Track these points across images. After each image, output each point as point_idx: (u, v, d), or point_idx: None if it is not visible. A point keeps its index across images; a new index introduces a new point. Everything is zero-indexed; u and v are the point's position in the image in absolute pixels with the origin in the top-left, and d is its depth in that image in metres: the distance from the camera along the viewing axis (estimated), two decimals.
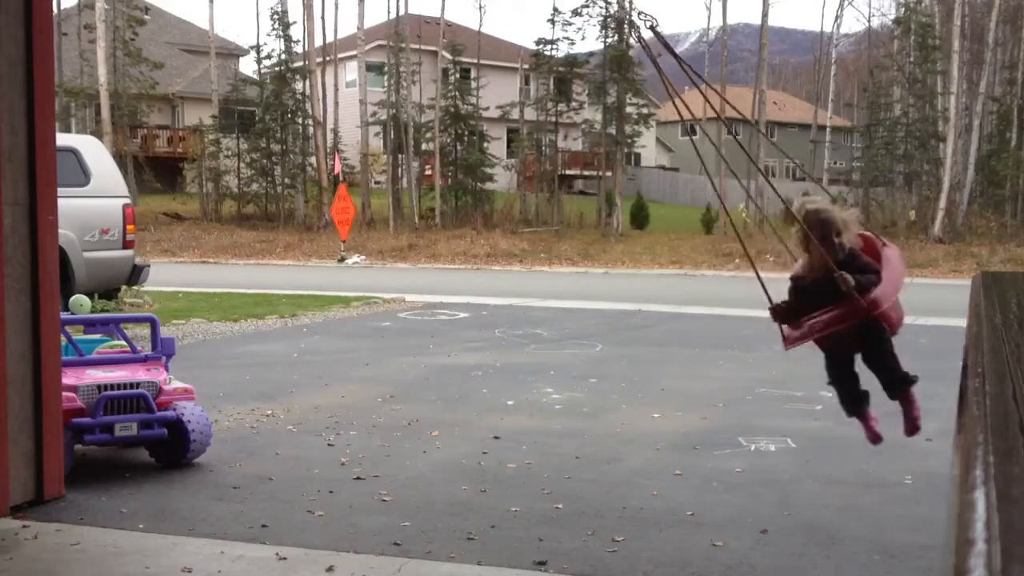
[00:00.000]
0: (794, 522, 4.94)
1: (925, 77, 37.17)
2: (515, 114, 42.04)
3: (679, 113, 4.52)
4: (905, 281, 4.28)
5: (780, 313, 4.19)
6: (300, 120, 38.14)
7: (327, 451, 6.32)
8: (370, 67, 40.55)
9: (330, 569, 4.18)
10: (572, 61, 40.08)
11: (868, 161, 38.52)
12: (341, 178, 29.92)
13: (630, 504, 5.18)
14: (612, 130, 37.92)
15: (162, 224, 34.40)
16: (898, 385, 4.33)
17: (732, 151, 41.00)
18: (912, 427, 4.43)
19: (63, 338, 5.61)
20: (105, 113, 34.30)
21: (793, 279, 4.25)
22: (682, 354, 10.82)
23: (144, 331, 6.92)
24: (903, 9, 38.95)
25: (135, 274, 11.98)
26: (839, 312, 4.02)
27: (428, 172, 40.52)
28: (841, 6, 75.21)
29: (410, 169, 38.26)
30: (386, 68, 39.87)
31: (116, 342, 6.25)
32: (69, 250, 10.79)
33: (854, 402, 4.36)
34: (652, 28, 4.41)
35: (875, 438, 4.46)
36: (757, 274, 4.41)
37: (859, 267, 4.05)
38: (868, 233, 4.34)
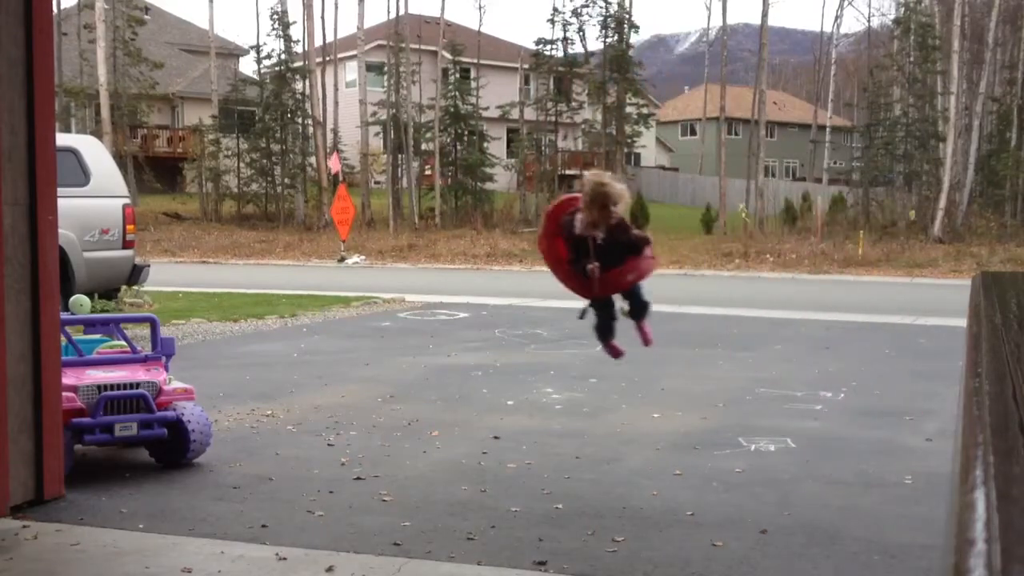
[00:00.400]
0: (794, 522, 4.94)
1: (925, 77, 37.18)
2: (515, 114, 42.06)
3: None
4: None
5: (594, 271, 5.24)
6: (300, 120, 38.15)
7: (327, 451, 6.32)
8: (370, 67, 40.57)
9: (330, 569, 4.18)
10: (572, 61, 40.11)
11: (868, 161, 38.53)
12: (341, 178, 29.93)
13: (630, 504, 5.18)
14: (612, 130, 37.94)
15: (162, 224, 34.41)
16: (644, 311, 5.69)
17: (732, 152, 41.13)
18: (646, 340, 5.86)
19: (63, 338, 5.61)
20: (105, 113, 34.30)
21: (582, 236, 5.23)
22: (682, 354, 10.82)
23: (144, 331, 6.93)
24: (903, 9, 38.97)
25: (135, 274, 11.98)
26: (643, 267, 5.36)
27: (428, 172, 40.54)
28: (841, 6, 75.27)
29: (410, 169, 38.28)
30: (386, 68, 39.90)
31: (116, 342, 6.25)
32: (69, 250, 10.79)
33: (609, 331, 5.73)
34: None
35: (617, 354, 5.91)
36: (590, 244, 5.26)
37: (626, 228, 5.28)
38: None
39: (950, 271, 24.51)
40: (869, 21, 71.28)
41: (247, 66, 51.73)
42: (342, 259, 26.70)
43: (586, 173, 5.38)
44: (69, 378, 5.51)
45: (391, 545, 4.51)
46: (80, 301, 6.51)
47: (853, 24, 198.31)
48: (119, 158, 29.81)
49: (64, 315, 5.91)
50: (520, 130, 42.43)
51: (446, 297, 16.64)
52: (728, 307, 15.70)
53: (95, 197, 11.35)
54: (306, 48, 37.72)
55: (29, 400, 5.06)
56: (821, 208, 34.67)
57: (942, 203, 32.54)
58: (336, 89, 40.35)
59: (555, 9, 39.93)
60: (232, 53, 48.84)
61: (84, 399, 5.55)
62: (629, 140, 38.70)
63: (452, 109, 39.85)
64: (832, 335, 12.45)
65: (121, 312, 11.59)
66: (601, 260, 5.21)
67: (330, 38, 41.84)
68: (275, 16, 37.68)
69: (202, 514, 4.97)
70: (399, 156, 38.81)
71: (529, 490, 5.45)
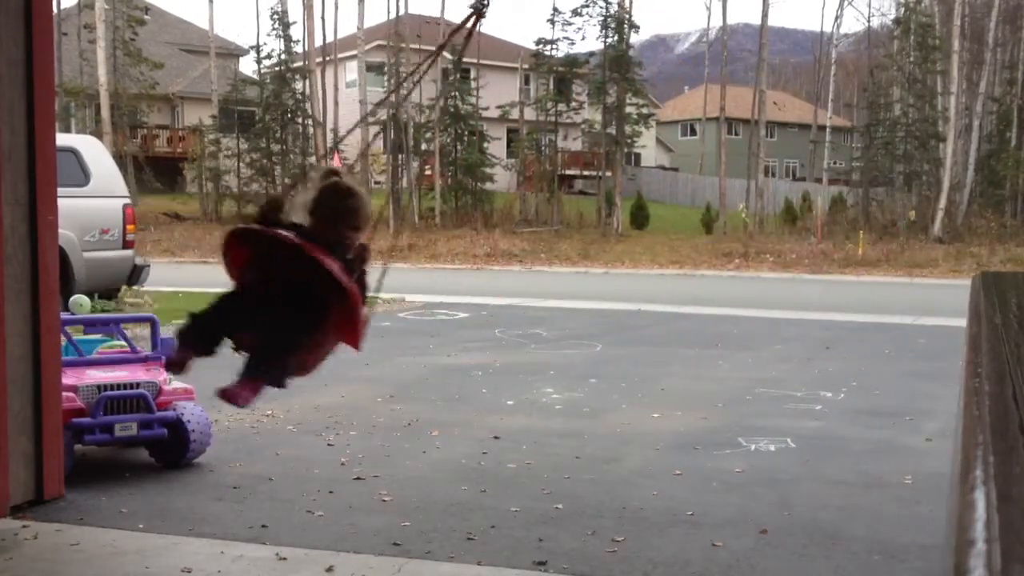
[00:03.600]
0: (794, 522, 4.94)
1: (925, 77, 37.18)
2: (515, 114, 42.04)
3: None
4: None
5: None
6: (300, 120, 38.14)
7: (327, 451, 6.32)
8: (370, 67, 40.55)
9: (330, 569, 4.18)
10: (572, 61, 40.09)
11: (868, 161, 38.52)
12: None
13: (630, 504, 5.18)
14: (612, 130, 37.93)
15: (162, 224, 34.40)
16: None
17: (732, 152, 41.06)
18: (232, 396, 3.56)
19: (63, 338, 5.60)
20: (105, 113, 34.30)
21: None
22: (682, 354, 10.82)
23: (144, 331, 6.92)
24: (903, 9, 38.96)
25: (135, 274, 11.98)
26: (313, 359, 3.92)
27: (428, 172, 40.54)
28: (841, 6, 75.10)
29: (410, 169, 38.27)
30: (386, 68, 39.88)
31: (116, 342, 6.25)
32: (69, 250, 10.79)
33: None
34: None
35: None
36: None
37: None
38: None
39: (950, 271, 24.51)
40: (869, 21, 71.32)
41: (247, 66, 51.72)
42: None
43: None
44: (69, 378, 5.51)
45: (391, 545, 4.51)
46: (80, 301, 6.51)
47: (853, 24, 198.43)
48: (119, 158, 29.80)
49: (64, 315, 5.91)
50: (520, 130, 42.41)
51: (446, 297, 16.63)
52: (728, 307, 15.69)
53: (95, 197, 11.34)
54: (306, 48, 37.72)
55: (29, 400, 5.05)
56: (821, 208, 34.68)
57: (942, 203, 32.54)
58: (336, 89, 40.32)
59: (555, 9, 39.93)
60: (232, 53, 48.82)
61: (84, 399, 5.55)
62: (629, 140, 38.68)
63: (452, 109, 39.84)
64: (832, 335, 12.45)
65: (121, 312, 11.59)
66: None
67: (330, 38, 41.84)
68: (275, 16, 37.68)
69: (202, 514, 4.97)
70: (399, 156, 38.81)
71: (529, 490, 5.45)
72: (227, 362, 3.42)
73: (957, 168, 34.07)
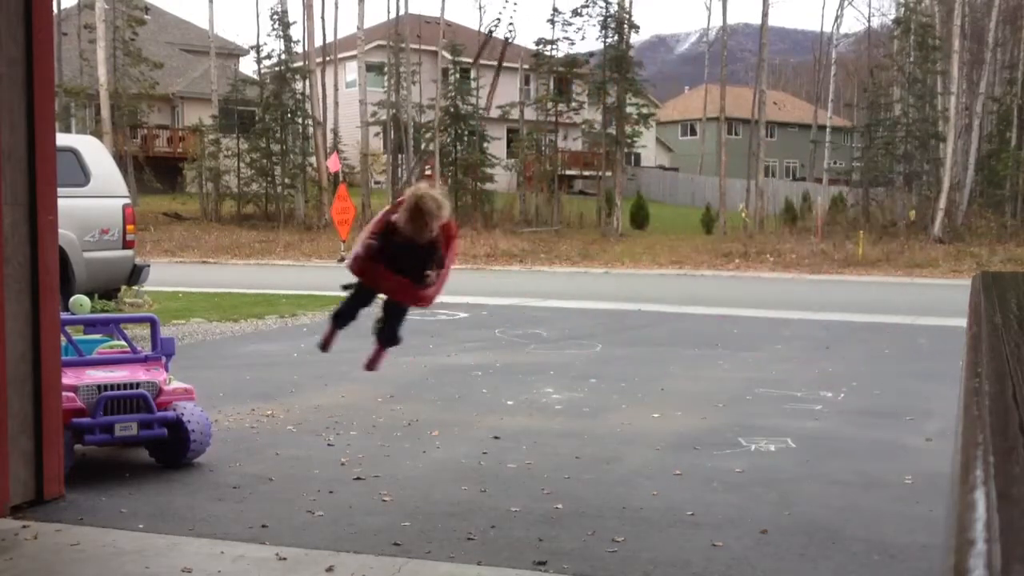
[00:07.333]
0: (794, 522, 4.94)
1: (925, 77, 37.17)
2: (515, 114, 42.04)
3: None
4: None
5: (371, 250, 4.93)
6: (300, 120, 38.15)
7: (327, 451, 6.32)
8: (370, 67, 40.56)
9: (330, 569, 4.18)
10: (572, 61, 40.09)
11: (868, 161, 38.52)
12: (341, 178, 29.90)
13: (630, 504, 5.18)
14: (612, 130, 37.93)
15: (162, 224, 34.39)
16: (392, 340, 5.46)
17: (732, 152, 41.04)
18: (370, 363, 5.56)
19: (63, 338, 5.60)
20: (105, 113, 34.30)
21: (390, 224, 4.90)
22: (682, 354, 10.82)
23: (144, 331, 6.92)
24: (903, 9, 38.96)
25: (135, 274, 11.99)
26: (403, 287, 4.96)
27: (428, 172, 40.53)
28: (841, 6, 75.14)
29: (410, 169, 38.26)
30: (386, 68, 39.90)
31: (116, 342, 6.25)
32: (69, 250, 10.79)
33: (346, 320, 5.28)
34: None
35: (327, 345, 5.47)
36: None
37: (437, 259, 4.95)
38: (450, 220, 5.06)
39: (950, 271, 24.50)
40: (869, 21, 71.30)
41: (247, 66, 51.77)
42: (342, 259, 26.68)
43: (420, 186, 5.06)
44: (69, 378, 5.51)
45: (391, 545, 4.51)
46: (80, 301, 6.51)
47: (853, 24, 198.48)
48: (119, 158, 29.81)
49: (64, 315, 5.91)
50: (520, 130, 42.41)
51: (446, 297, 16.56)
52: (728, 307, 15.69)
53: (95, 197, 11.35)
54: (306, 48, 37.71)
55: (29, 400, 5.06)
56: (821, 208, 34.68)
57: (942, 203, 32.52)
58: (336, 89, 40.36)
59: (555, 9, 39.93)
60: (232, 53, 48.82)
61: (84, 399, 5.55)
62: (629, 140, 38.68)
63: (452, 109, 39.85)
64: (832, 335, 12.45)
65: (121, 312, 11.59)
66: (394, 256, 4.92)
67: (330, 38, 41.90)
68: (275, 16, 37.67)
69: (202, 514, 4.97)
70: (399, 156, 38.81)
71: (529, 490, 5.45)
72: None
73: (957, 168, 34.06)
